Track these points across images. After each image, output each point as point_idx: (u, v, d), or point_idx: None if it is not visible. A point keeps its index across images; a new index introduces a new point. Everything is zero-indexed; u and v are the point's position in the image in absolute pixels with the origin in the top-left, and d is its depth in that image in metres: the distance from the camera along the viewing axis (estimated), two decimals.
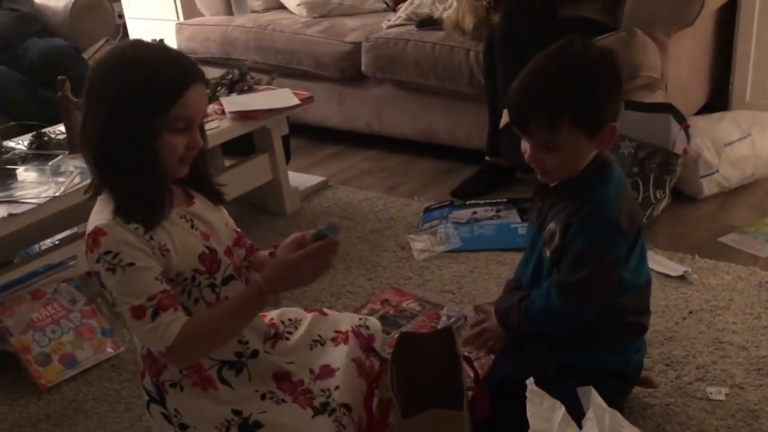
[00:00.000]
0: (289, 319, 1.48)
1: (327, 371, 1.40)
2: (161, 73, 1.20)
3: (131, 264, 1.18)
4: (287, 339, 1.43)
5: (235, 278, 1.35)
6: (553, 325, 1.39)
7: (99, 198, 1.25)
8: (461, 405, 1.28)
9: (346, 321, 1.52)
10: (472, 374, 1.44)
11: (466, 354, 1.46)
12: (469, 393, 1.40)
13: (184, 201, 1.31)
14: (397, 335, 1.49)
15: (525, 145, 1.35)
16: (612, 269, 1.33)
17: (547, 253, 1.37)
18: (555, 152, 1.30)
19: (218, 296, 1.31)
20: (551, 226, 1.36)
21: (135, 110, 1.18)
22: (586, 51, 1.30)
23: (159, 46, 1.26)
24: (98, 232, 1.18)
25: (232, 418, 1.28)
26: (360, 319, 1.54)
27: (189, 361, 1.28)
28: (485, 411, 1.39)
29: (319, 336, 1.46)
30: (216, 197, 1.38)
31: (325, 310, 1.54)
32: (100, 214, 1.22)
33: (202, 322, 1.24)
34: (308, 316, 1.49)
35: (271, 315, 1.49)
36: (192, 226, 1.29)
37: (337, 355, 1.42)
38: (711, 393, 1.55)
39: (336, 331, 1.47)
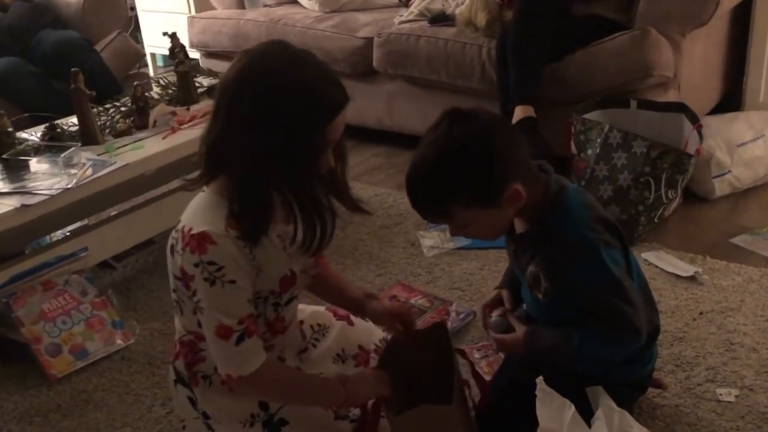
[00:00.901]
0: (318, 324, 1.47)
1: None
2: (324, 92, 1.13)
3: (233, 281, 1.15)
4: (314, 346, 1.43)
5: (296, 298, 1.34)
6: (621, 357, 1.34)
7: (205, 192, 1.20)
8: (450, 399, 1.28)
9: (370, 337, 1.52)
10: (469, 366, 1.44)
11: (459, 347, 1.47)
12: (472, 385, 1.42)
13: (285, 218, 1.23)
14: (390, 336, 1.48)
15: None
16: (630, 281, 1.30)
17: (539, 295, 1.32)
18: (468, 227, 1.30)
19: (278, 315, 1.29)
20: (532, 269, 1.31)
21: (298, 129, 1.11)
22: (453, 133, 1.24)
23: (312, 58, 1.17)
24: (207, 238, 1.13)
25: (258, 413, 1.28)
26: (383, 337, 1.53)
27: (248, 395, 1.27)
28: (485, 401, 1.42)
29: (343, 351, 1.46)
30: (353, 207, 1.32)
31: (352, 317, 1.53)
32: (208, 215, 1.16)
33: (280, 375, 1.26)
34: (336, 325, 1.49)
35: (302, 316, 1.48)
36: (284, 247, 1.24)
37: None
38: (721, 394, 1.54)
39: (360, 347, 1.47)
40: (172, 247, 1.21)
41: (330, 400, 1.29)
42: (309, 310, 1.50)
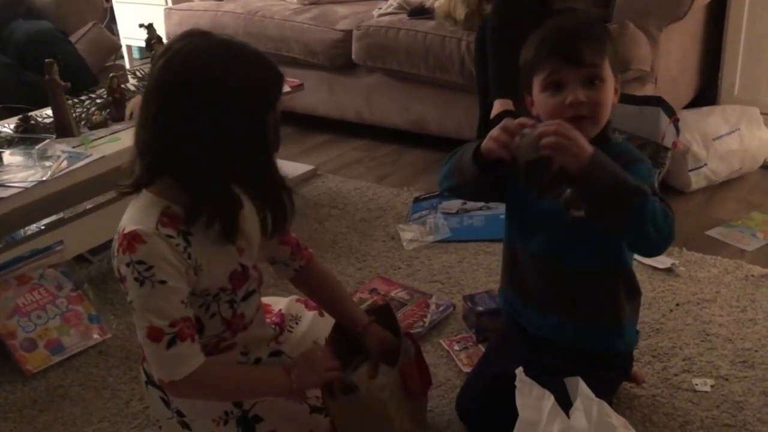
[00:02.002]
0: (291, 315, 1.48)
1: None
2: (265, 73, 1.14)
3: (163, 282, 1.13)
4: (290, 331, 1.43)
5: (256, 291, 1.32)
6: (664, 230, 1.23)
7: (143, 193, 1.18)
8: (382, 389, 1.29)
9: None
10: (413, 349, 1.43)
11: (407, 331, 1.47)
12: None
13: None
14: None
15: (559, 97, 1.27)
16: None
17: (580, 213, 1.28)
18: (596, 87, 1.28)
19: (235, 312, 1.27)
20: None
21: (251, 118, 1.12)
22: None
23: (240, 43, 1.17)
24: (136, 237, 1.12)
25: (231, 410, 1.27)
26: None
27: (182, 398, 1.25)
28: (421, 384, 1.41)
29: (318, 339, 1.45)
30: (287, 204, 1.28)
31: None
32: (142, 215, 1.15)
33: (218, 376, 1.22)
34: (308, 315, 1.49)
35: (281, 306, 1.49)
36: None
37: None
38: (697, 384, 1.56)
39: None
40: (112, 250, 1.19)
41: (278, 392, 1.28)
42: (285, 300, 1.50)
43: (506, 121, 1.26)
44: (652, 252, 1.35)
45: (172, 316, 1.14)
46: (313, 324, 1.47)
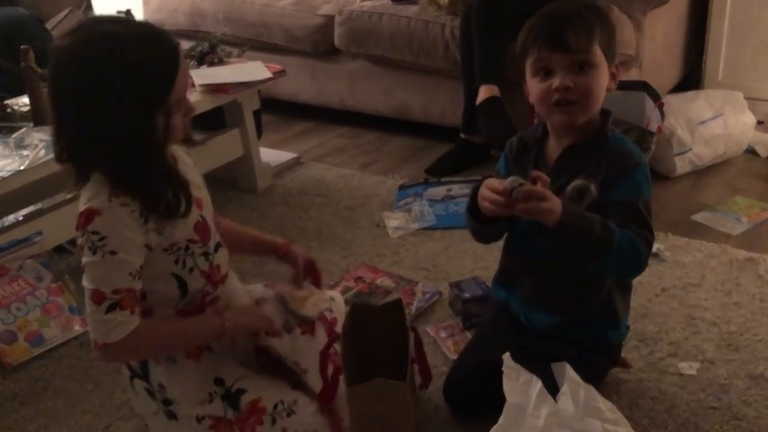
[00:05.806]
0: (257, 300, 1.46)
1: (296, 366, 1.40)
2: (157, 65, 1.16)
3: (113, 252, 1.16)
4: None
5: (222, 246, 1.36)
6: (630, 267, 1.31)
7: (91, 178, 1.21)
8: (404, 376, 1.32)
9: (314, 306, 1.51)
10: (413, 346, 1.45)
11: (412, 325, 1.50)
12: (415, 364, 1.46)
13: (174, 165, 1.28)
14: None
15: (547, 83, 1.31)
16: None
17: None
18: (585, 73, 1.29)
19: (211, 264, 1.31)
20: (577, 183, 1.33)
21: (143, 109, 1.15)
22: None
23: (135, 24, 1.20)
24: (93, 211, 1.16)
25: (214, 390, 1.29)
26: (326, 301, 1.53)
27: (114, 362, 1.30)
28: (428, 380, 1.47)
29: (287, 321, 1.44)
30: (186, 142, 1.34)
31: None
32: (93, 195, 1.18)
33: (151, 336, 1.23)
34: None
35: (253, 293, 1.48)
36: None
37: (305, 349, 1.42)
38: (683, 368, 1.56)
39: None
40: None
41: (209, 332, 1.31)
42: (245, 288, 1.49)
43: (490, 182, 1.28)
44: (619, 278, 1.43)
45: (116, 285, 1.17)
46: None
